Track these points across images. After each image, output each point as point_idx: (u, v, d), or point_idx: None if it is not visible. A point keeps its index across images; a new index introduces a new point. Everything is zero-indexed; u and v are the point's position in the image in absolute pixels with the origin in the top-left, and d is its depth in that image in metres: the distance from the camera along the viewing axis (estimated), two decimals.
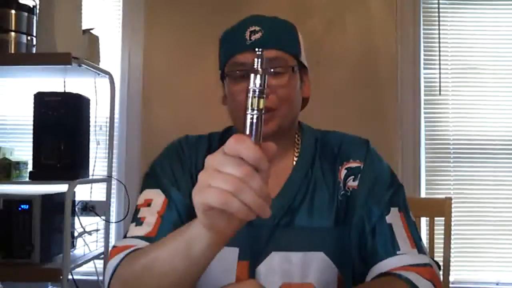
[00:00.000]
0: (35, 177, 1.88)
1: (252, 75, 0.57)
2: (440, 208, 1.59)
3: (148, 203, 0.97)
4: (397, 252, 0.91)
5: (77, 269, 1.93)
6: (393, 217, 0.95)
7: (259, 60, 0.56)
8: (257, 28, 0.96)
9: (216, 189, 0.57)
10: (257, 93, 0.55)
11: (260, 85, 0.55)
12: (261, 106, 0.55)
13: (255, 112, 0.56)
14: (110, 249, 0.98)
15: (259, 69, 0.55)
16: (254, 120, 0.56)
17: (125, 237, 0.95)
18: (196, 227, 0.66)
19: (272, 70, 0.95)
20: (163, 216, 0.94)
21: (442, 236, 1.58)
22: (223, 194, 0.56)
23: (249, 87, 0.56)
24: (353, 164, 1.01)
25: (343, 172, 1.01)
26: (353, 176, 1.00)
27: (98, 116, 2.11)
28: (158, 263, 0.73)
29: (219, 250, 0.69)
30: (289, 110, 0.98)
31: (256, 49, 0.60)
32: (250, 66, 0.92)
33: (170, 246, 0.72)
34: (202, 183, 0.59)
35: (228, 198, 0.56)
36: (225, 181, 0.56)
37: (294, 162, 1.02)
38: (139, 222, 0.95)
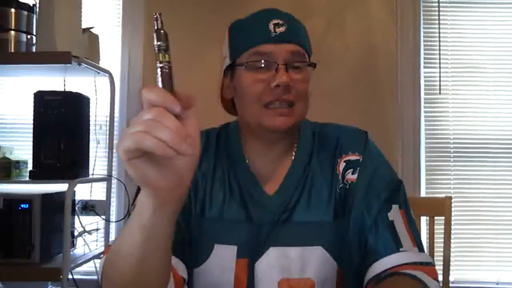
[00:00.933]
0: (35, 176, 1.87)
1: (155, 34, 0.62)
2: (440, 207, 1.59)
3: None
4: (400, 249, 0.91)
5: (77, 269, 1.94)
6: (395, 214, 0.95)
7: (160, 20, 0.63)
8: (280, 22, 0.96)
9: (131, 133, 0.58)
10: (162, 48, 0.61)
11: (163, 42, 0.61)
12: (167, 59, 0.61)
13: (162, 65, 0.61)
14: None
15: (161, 29, 0.62)
16: (163, 71, 0.61)
17: None
18: (141, 195, 0.66)
19: (292, 64, 0.95)
20: None
21: (442, 235, 1.58)
22: (137, 134, 0.57)
23: (154, 44, 0.61)
24: (352, 157, 1.00)
25: (342, 165, 1.00)
26: (352, 169, 0.99)
27: (98, 115, 2.10)
28: (123, 244, 0.72)
29: (169, 216, 0.67)
30: (305, 106, 0.98)
31: (154, 13, 0.64)
32: (273, 58, 0.93)
33: (128, 224, 0.71)
34: (121, 136, 0.60)
35: (142, 135, 0.57)
36: (138, 124, 0.58)
37: (293, 159, 1.01)
38: None
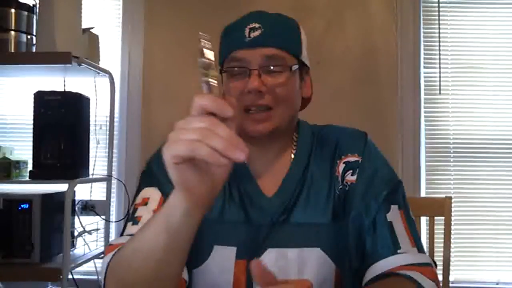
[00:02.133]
0: (35, 176, 1.87)
1: (204, 50, 0.65)
2: (440, 207, 1.59)
3: (145, 202, 0.97)
4: (398, 251, 0.91)
5: (77, 269, 1.94)
6: (393, 215, 0.95)
7: (206, 41, 0.65)
8: (256, 25, 0.95)
9: (184, 140, 0.59)
10: (212, 65, 0.64)
11: (210, 59, 0.64)
12: (215, 75, 0.64)
13: (210, 80, 0.64)
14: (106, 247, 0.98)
15: (209, 47, 0.65)
16: (210, 85, 0.64)
17: (121, 235, 0.95)
18: (172, 195, 0.67)
19: (267, 68, 0.94)
20: None
21: (442, 236, 1.58)
22: (191, 142, 0.58)
23: (200, 59, 0.64)
24: (351, 158, 1.00)
25: (341, 167, 1.00)
26: (351, 171, 0.99)
27: (98, 115, 2.10)
28: (143, 244, 0.73)
29: (198, 220, 0.68)
30: (286, 110, 0.96)
31: (202, 33, 0.65)
32: (246, 63, 0.92)
33: (151, 223, 0.73)
34: (171, 140, 0.61)
35: (196, 144, 0.58)
36: (192, 132, 0.59)
37: (292, 160, 1.01)
38: (135, 221, 0.94)
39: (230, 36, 0.98)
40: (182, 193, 0.65)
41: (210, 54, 0.64)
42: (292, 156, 1.02)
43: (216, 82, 0.64)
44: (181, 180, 0.63)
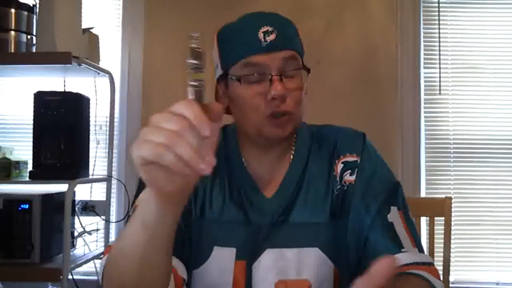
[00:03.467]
0: (35, 176, 1.87)
1: (190, 52, 0.62)
2: (440, 207, 1.59)
3: None
4: (402, 250, 0.91)
5: (77, 269, 1.94)
6: (394, 216, 0.95)
7: (199, 40, 0.63)
8: (270, 29, 0.94)
9: (151, 142, 0.56)
10: (198, 66, 0.62)
11: (200, 61, 0.61)
12: (202, 78, 0.61)
13: (196, 83, 0.61)
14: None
15: (198, 48, 0.62)
16: (196, 90, 0.62)
17: None
18: (144, 193, 0.66)
19: (286, 72, 0.94)
20: None
21: (442, 236, 1.58)
22: (157, 146, 0.56)
23: (189, 62, 0.62)
24: (350, 158, 1.00)
25: (340, 166, 1.00)
26: (350, 171, 0.99)
27: (98, 115, 2.10)
28: (125, 243, 0.72)
29: (173, 217, 0.67)
30: (302, 112, 0.97)
31: (193, 33, 0.64)
32: (265, 69, 0.92)
33: (131, 222, 0.72)
34: (140, 138, 0.58)
35: (161, 150, 0.56)
36: (161, 134, 0.56)
37: (291, 161, 1.01)
38: None
39: (239, 40, 0.95)
40: (152, 192, 0.63)
41: (200, 56, 0.61)
42: (291, 157, 1.02)
43: (203, 86, 0.61)
44: (148, 180, 0.60)
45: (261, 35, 0.93)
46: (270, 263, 0.94)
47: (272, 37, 0.93)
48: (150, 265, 0.71)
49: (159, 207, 0.64)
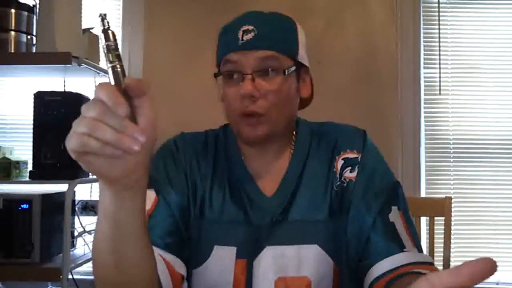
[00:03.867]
0: (35, 176, 1.87)
1: (103, 34, 0.61)
2: (440, 207, 1.59)
3: None
4: (404, 250, 0.91)
5: (77, 269, 1.93)
6: (394, 216, 0.95)
7: (106, 20, 0.62)
8: (250, 27, 0.94)
9: (75, 134, 0.57)
10: (111, 47, 0.61)
11: (112, 41, 0.61)
12: (114, 59, 0.61)
13: (113, 64, 0.61)
14: None
15: (108, 28, 0.62)
16: (114, 71, 0.61)
17: None
18: (99, 183, 0.66)
19: (261, 72, 0.93)
20: (152, 215, 0.93)
21: (442, 236, 1.58)
22: (80, 136, 0.57)
23: (103, 44, 0.61)
24: (350, 155, 1.00)
25: (340, 163, 1.00)
26: (350, 167, 0.99)
27: None
28: (96, 238, 0.72)
29: (131, 200, 0.66)
30: (280, 114, 0.95)
31: (100, 14, 0.62)
32: (240, 67, 0.92)
33: (98, 216, 0.71)
34: (70, 131, 0.59)
35: (85, 139, 0.56)
36: (82, 124, 0.57)
37: (290, 159, 1.01)
38: None
39: (224, 38, 0.98)
40: (101, 180, 0.63)
41: (112, 36, 0.61)
42: (291, 154, 1.02)
43: (120, 66, 0.61)
44: (90, 169, 0.60)
45: (240, 34, 0.94)
46: (270, 261, 0.94)
47: (249, 36, 0.93)
48: (121, 256, 0.71)
49: (112, 193, 0.64)
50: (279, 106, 0.95)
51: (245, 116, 0.93)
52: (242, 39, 0.93)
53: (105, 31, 0.61)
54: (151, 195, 0.96)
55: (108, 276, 0.73)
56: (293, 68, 0.96)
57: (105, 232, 0.68)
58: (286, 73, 0.95)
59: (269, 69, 0.94)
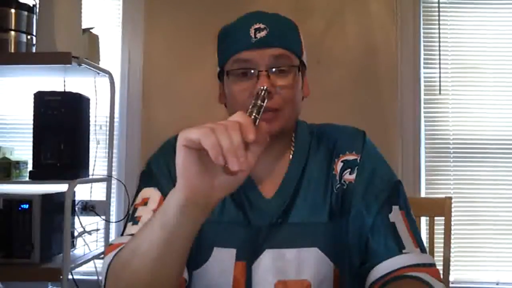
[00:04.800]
0: (35, 176, 1.87)
1: (261, 97, 0.74)
2: (440, 207, 1.59)
3: (145, 202, 0.97)
4: (403, 251, 0.90)
5: (77, 269, 1.93)
6: (395, 215, 0.95)
7: (265, 92, 0.76)
8: (262, 26, 0.94)
9: (200, 128, 0.64)
10: (261, 107, 0.73)
11: (263, 103, 0.74)
12: (258, 113, 0.72)
13: (256, 115, 0.71)
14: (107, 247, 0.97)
15: (265, 96, 0.75)
16: (254, 118, 0.71)
17: (121, 235, 0.95)
18: (169, 194, 0.70)
19: (275, 69, 0.93)
20: None
21: (442, 236, 1.58)
22: (204, 129, 0.63)
23: (257, 102, 0.73)
24: (350, 157, 1.00)
25: (339, 165, 1.00)
26: (349, 169, 0.99)
27: (98, 115, 2.10)
28: (141, 242, 0.74)
29: (194, 219, 0.70)
30: (293, 110, 0.96)
31: (262, 87, 0.76)
32: (254, 65, 0.92)
33: (149, 221, 0.74)
34: (192, 128, 0.65)
35: (207, 132, 0.63)
36: (211, 124, 0.64)
37: (290, 161, 1.01)
38: (135, 221, 0.94)
39: (232, 37, 0.97)
40: (180, 181, 0.67)
41: (264, 99, 0.75)
42: (290, 156, 1.01)
43: (259, 115, 0.72)
44: (182, 164, 0.65)
45: (252, 32, 0.94)
46: (270, 264, 0.94)
47: (262, 34, 0.94)
48: (163, 265, 0.73)
49: (180, 204, 0.68)
50: (293, 102, 0.96)
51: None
52: (255, 37, 0.93)
53: (263, 98, 0.74)
54: (155, 194, 0.96)
55: (138, 280, 0.75)
56: (300, 67, 0.98)
57: (156, 240, 0.71)
58: (298, 71, 0.96)
59: (283, 67, 0.94)
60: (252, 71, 0.93)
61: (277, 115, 0.94)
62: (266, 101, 0.75)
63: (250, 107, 0.72)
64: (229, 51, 0.96)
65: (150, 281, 0.74)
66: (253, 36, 0.94)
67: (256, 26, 0.94)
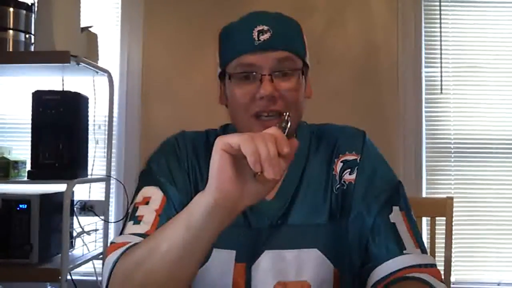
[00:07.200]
0: (33, 176, 1.87)
1: (286, 121, 0.78)
2: (441, 207, 1.58)
3: (146, 201, 0.95)
4: (404, 252, 0.89)
5: (76, 270, 1.92)
6: (396, 216, 0.94)
7: (288, 116, 0.79)
8: (265, 28, 0.92)
9: (240, 135, 0.68)
10: (287, 128, 0.78)
11: (287, 126, 0.78)
12: (286, 128, 0.78)
13: (284, 131, 0.75)
14: (108, 245, 0.96)
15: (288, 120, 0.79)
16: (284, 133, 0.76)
17: (121, 234, 0.94)
18: (200, 193, 0.72)
19: (278, 72, 0.92)
20: (161, 214, 0.93)
21: (443, 236, 1.57)
22: (245, 136, 0.67)
23: (284, 124, 0.78)
24: (349, 157, 0.99)
25: (339, 165, 0.99)
26: (349, 169, 0.98)
27: (97, 115, 2.10)
28: (160, 242, 0.74)
29: (219, 222, 0.71)
30: (296, 114, 0.95)
31: (285, 113, 0.79)
32: (257, 68, 0.91)
33: (172, 222, 0.75)
34: (233, 135, 0.69)
35: (247, 139, 0.66)
36: (250, 134, 0.68)
37: (290, 163, 1.00)
38: (136, 220, 0.93)
39: (235, 39, 0.95)
40: (212, 184, 0.69)
41: (286, 123, 0.79)
42: None
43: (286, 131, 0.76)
44: (218, 167, 0.68)
45: (255, 34, 0.92)
46: (269, 265, 0.93)
47: (266, 36, 0.92)
48: (181, 267, 0.73)
49: (207, 206, 0.70)
50: (296, 105, 0.95)
51: (257, 117, 0.92)
52: (259, 39, 0.92)
53: (286, 121, 0.78)
54: (157, 194, 0.95)
55: (154, 280, 0.75)
56: (303, 69, 0.96)
57: (180, 240, 0.72)
58: (301, 74, 0.95)
59: (287, 70, 0.93)
60: (255, 74, 0.92)
61: (281, 119, 0.92)
62: (289, 124, 0.78)
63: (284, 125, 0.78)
64: (232, 53, 0.94)
65: (165, 281, 0.74)
66: (256, 38, 0.92)
67: (259, 28, 0.93)
